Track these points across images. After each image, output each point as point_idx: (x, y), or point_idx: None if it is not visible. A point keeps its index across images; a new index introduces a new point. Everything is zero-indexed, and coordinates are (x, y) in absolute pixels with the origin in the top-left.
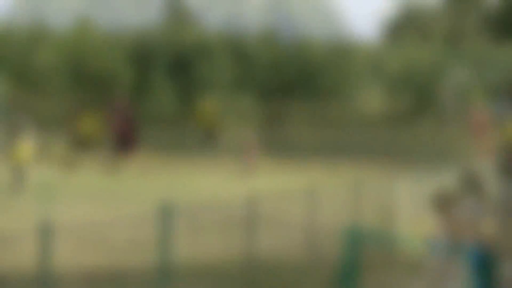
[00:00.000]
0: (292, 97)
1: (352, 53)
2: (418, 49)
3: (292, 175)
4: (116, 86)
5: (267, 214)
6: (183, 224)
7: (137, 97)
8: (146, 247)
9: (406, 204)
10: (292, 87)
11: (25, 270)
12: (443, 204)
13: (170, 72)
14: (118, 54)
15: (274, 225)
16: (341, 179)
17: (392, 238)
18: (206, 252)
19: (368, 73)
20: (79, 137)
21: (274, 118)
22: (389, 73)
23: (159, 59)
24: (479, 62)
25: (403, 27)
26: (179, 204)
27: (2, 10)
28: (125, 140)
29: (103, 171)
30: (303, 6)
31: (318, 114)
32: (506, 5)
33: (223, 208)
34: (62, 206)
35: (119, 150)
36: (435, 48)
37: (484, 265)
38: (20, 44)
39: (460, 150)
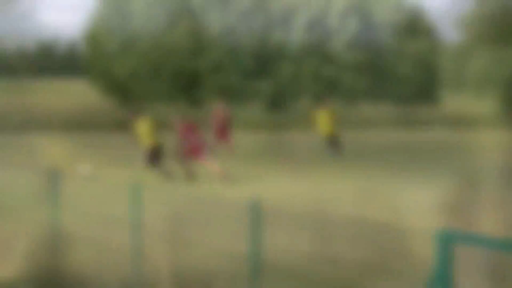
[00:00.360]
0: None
1: (438, 54)
2: (502, 49)
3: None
4: (211, 90)
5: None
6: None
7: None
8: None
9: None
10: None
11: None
12: None
13: (256, 76)
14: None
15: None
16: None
17: (485, 240)
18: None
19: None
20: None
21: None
22: (474, 74)
23: (245, 62)
24: None
25: (488, 27)
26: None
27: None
28: (224, 143)
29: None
30: (385, 8)
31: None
32: None
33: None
34: None
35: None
36: None
37: None
38: (109, 48)
39: None
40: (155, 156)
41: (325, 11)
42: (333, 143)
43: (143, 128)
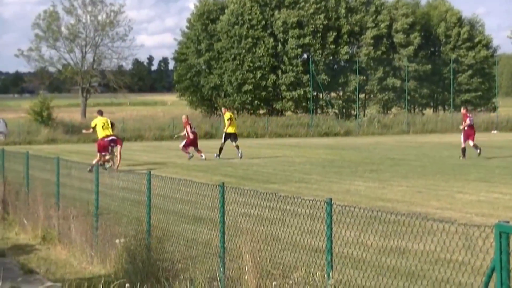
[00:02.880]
0: None
1: (495, 63)
2: None
3: None
4: None
5: None
6: None
7: None
8: None
9: None
10: None
11: None
12: None
13: (329, 88)
14: None
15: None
16: None
17: None
18: None
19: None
20: None
21: None
22: None
23: (320, 76)
24: None
25: None
26: None
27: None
28: None
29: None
30: (445, 22)
31: None
32: None
33: None
34: None
35: None
36: None
37: None
38: (197, 66)
39: None
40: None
41: (390, 27)
42: None
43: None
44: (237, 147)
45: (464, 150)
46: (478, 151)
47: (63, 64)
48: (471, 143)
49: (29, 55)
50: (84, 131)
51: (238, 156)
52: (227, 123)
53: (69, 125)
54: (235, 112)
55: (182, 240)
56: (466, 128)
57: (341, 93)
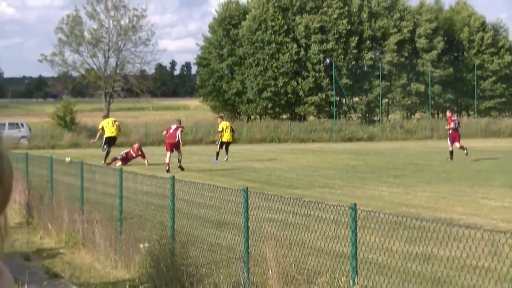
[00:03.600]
0: None
1: None
2: None
3: None
4: None
5: None
6: None
7: None
8: None
9: None
10: None
11: None
12: None
13: (352, 93)
14: None
15: None
16: None
17: None
18: None
19: None
20: None
21: None
22: None
23: (342, 81)
24: None
25: None
26: None
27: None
28: None
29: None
30: (468, 28)
31: None
32: None
33: None
34: None
35: None
36: None
37: None
38: (219, 71)
39: None
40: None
41: (413, 32)
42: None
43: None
44: (227, 151)
45: (451, 152)
46: (465, 151)
47: (86, 68)
48: (457, 145)
49: (52, 59)
50: (91, 140)
51: (224, 158)
52: (219, 134)
53: (92, 130)
54: (258, 117)
55: (206, 245)
56: (451, 131)
57: (363, 98)
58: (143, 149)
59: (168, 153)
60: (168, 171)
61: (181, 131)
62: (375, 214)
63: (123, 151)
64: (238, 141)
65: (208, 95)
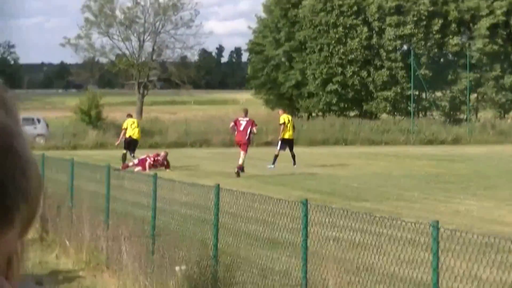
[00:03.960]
0: None
1: None
2: None
3: None
4: None
5: None
6: None
7: None
8: None
9: None
10: None
11: None
12: None
13: (431, 87)
14: None
15: None
16: None
17: None
18: None
19: None
20: None
21: None
22: None
23: (421, 73)
24: None
25: None
26: None
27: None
28: None
29: None
30: None
31: None
32: None
33: None
34: None
35: None
36: None
37: None
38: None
39: None
40: None
41: (509, 13)
42: None
43: None
44: (293, 156)
45: None
46: None
47: (116, 54)
48: None
49: (76, 43)
50: (116, 143)
51: (292, 166)
52: (280, 127)
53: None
54: (320, 114)
55: (256, 268)
56: None
57: (447, 92)
58: (182, 151)
59: (243, 153)
60: (239, 174)
61: (255, 127)
62: (461, 233)
63: (140, 157)
64: (296, 143)
65: (261, 87)
